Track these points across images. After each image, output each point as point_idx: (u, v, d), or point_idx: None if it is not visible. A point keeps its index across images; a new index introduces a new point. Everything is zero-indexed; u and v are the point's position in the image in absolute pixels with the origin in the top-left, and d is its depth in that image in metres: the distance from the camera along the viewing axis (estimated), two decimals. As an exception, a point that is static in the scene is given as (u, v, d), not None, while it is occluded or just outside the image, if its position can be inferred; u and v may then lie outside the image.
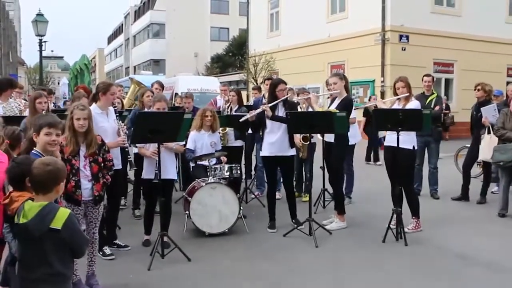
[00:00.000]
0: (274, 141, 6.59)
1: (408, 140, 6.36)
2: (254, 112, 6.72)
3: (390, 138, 6.49)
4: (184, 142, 6.41)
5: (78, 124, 4.45)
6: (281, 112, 6.60)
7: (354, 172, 8.33)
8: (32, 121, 4.34)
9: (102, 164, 4.63)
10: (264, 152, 6.74)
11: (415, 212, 6.59)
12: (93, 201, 4.56)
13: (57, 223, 2.91)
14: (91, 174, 4.51)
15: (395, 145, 6.19)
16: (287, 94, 6.72)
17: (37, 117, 4.30)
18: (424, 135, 7.87)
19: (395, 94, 6.70)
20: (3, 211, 3.52)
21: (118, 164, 5.62)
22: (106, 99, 5.53)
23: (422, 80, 8.68)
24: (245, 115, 6.98)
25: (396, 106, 6.67)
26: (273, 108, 6.56)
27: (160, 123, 5.44)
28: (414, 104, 6.55)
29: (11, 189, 3.35)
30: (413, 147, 6.46)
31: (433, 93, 8.63)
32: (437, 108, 8.39)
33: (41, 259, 2.95)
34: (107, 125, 5.50)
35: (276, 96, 6.60)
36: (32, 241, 2.95)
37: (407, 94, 6.53)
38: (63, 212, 2.97)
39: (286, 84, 6.77)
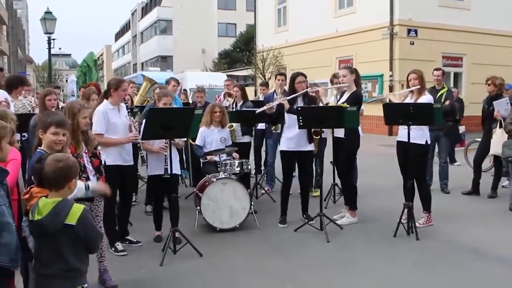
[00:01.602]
0: (293, 136, 6.56)
1: (420, 135, 6.32)
2: (271, 104, 6.70)
3: (401, 133, 6.45)
4: (185, 138, 6.41)
5: (86, 121, 4.50)
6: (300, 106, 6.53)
7: (357, 165, 8.23)
8: (40, 118, 4.32)
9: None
10: (283, 147, 6.71)
11: (427, 207, 6.57)
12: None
13: (72, 219, 2.94)
14: (94, 169, 4.54)
15: (407, 140, 6.16)
16: (306, 88, 6.67)
17: (45, 114, 4.26)
18: (435, 130, 7.82)
19: (408, 86, 6.64)
20: (19, 206, 3.55)
21: (130, 160, 5.66)
22: (117, 95, 5.56)
23: (432, 74, 8.60)
24: (255, 110, 6.97)
25: (408, 100, 6.63)
26: (292, 102, 6.54)
27: (171, 119, 5.45)
28: (427, 98, 6.49)
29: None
30: (426, 142, 6.41)
31: (443, 87, 8.56)
32: (447, 102, 8.33)
33: (57, 255, 2.98)
34: (118, 121, 5.53)
35: (295, 89, 6.58)
36: (47, 237, 2.97)
37: (419, 86, 6.47)
38: (77, 208, 3.00)
39: (305, 77, 6.71)
